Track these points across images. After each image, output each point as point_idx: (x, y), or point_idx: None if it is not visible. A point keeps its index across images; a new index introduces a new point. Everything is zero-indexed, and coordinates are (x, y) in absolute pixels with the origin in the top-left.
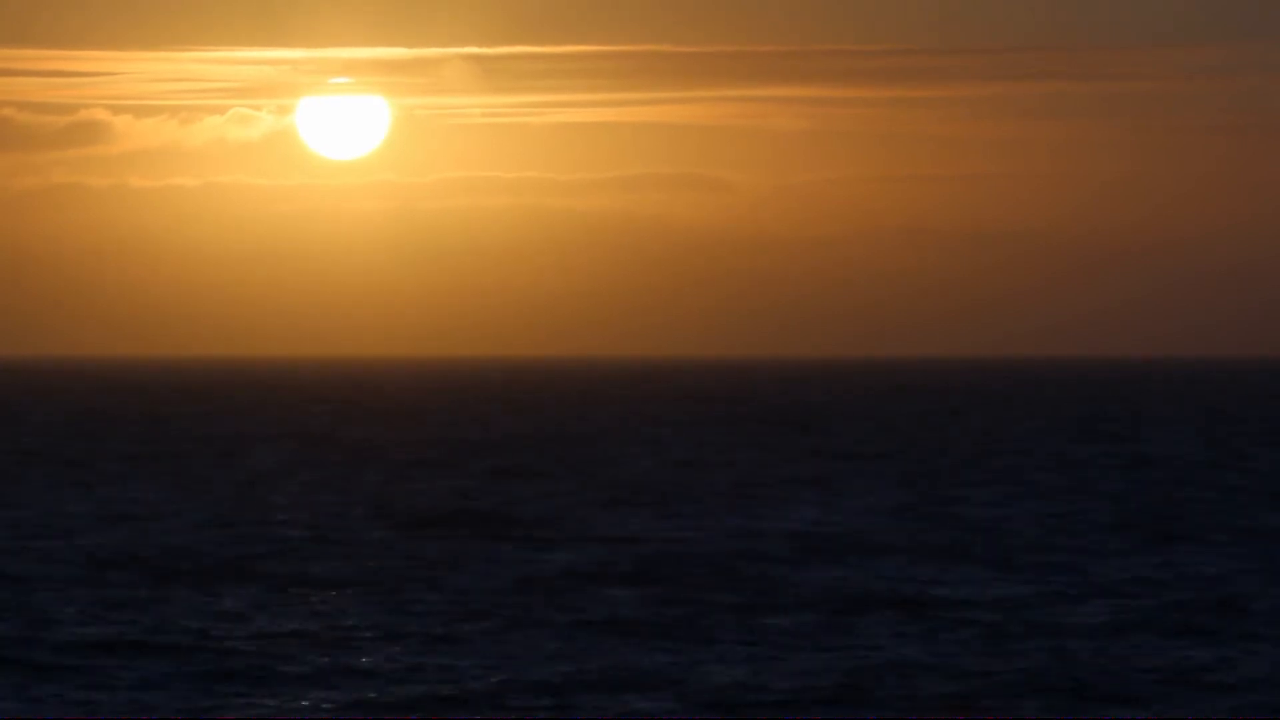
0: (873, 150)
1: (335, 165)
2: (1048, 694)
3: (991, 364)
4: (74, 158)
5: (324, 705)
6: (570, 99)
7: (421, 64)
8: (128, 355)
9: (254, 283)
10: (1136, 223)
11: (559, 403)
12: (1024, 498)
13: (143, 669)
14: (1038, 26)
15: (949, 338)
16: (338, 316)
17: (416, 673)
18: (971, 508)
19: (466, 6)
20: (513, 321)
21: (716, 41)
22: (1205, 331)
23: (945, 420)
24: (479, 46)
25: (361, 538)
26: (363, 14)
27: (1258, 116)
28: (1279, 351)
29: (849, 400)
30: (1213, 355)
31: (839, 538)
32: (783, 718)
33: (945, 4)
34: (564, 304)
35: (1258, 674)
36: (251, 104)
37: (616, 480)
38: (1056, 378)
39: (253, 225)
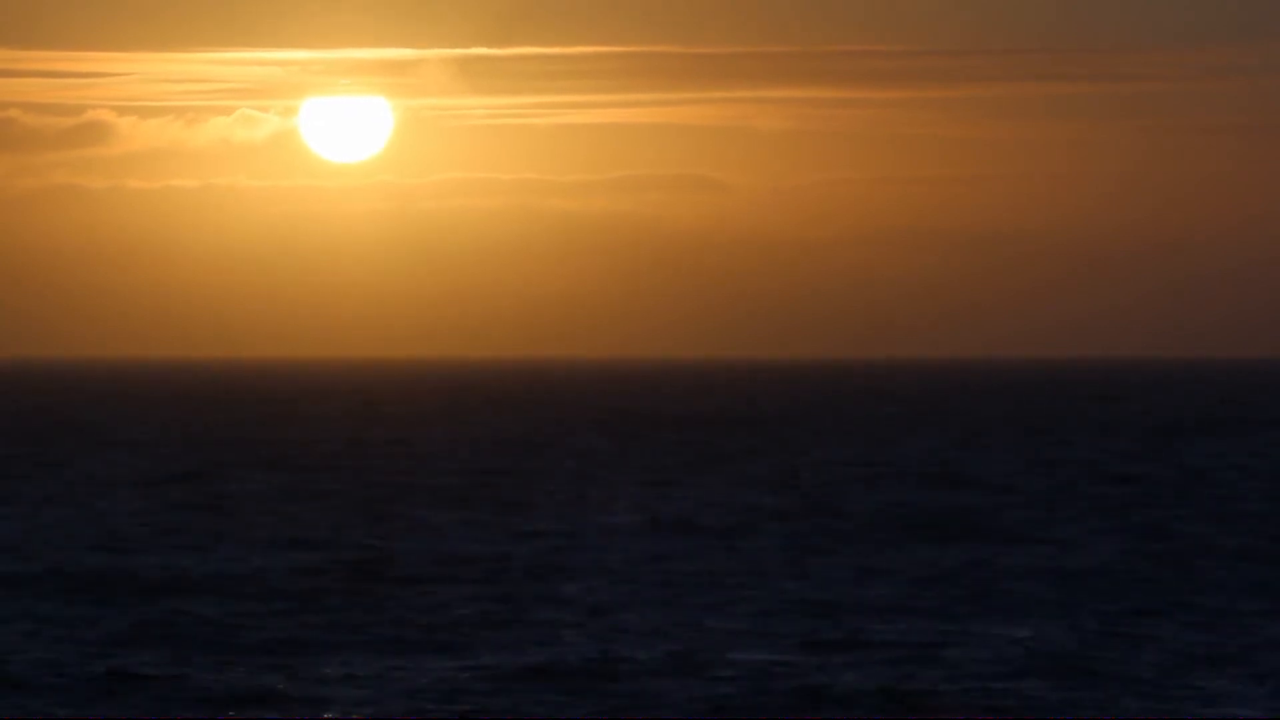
0: (874, 152)
1: (335, 167)
2: None
3: (979, 365)
4: (74, 158)
5: None
6: (570, 100)
7: (424, 65)
8: (127, 357)
9: (252, 284)
10: (1144, 223)
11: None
12: None
13: None
14: (1045, 28)
15: (953, 339)
16: (336, 318)
17: None
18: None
19: (469, 9)
20: (511, 323)
21: (716, 43)
22: (1212, 332)
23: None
24: (481, 48)
25: None
26: (369, 15)
27: (1266, 117)
28: None
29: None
30: (1218, 357)
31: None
32: (789, 718)
33: (951, 6)
34: (562, 305)
35: None
36: (258, 105)
37: None
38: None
39: (251, 226)
